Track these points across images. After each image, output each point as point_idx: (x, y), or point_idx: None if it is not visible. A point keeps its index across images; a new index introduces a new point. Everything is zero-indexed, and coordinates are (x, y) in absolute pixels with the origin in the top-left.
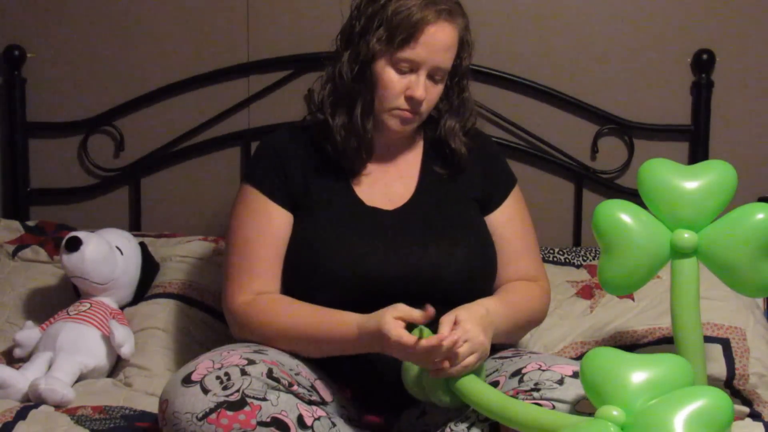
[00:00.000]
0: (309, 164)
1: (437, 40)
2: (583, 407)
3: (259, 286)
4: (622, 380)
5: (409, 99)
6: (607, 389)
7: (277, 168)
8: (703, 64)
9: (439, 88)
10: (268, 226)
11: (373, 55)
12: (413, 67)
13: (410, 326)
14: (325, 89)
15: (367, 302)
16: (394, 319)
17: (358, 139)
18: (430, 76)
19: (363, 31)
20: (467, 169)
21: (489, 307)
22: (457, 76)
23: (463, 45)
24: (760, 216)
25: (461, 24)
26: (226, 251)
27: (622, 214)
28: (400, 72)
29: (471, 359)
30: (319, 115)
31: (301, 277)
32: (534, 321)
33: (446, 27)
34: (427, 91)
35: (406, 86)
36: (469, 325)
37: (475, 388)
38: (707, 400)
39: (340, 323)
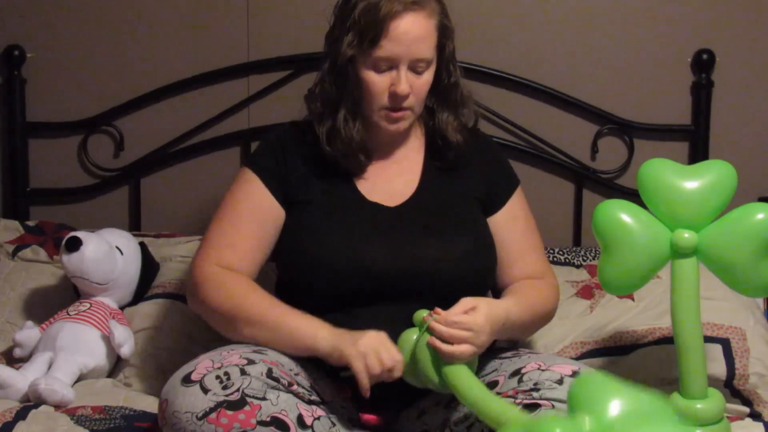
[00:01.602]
0: (312, 160)
1: (407, 33)
2: None
3: (231, 260)
4: (602, 407)
5: (393, 95)
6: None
7: (280, 161)
8: (703, 64)
9: (425, 79)
10: (257, 211)
11: (349, 59)
12: (391, 64)
13: (410, 325)
14: (315, 95)
15: (364, 295)
16: None
17: (345, 145)
18: (412, 69)
19: (338, 36)
20: (470, 168)
21: (510, 311)
22: (443, 63)
23: (443, 31)
24: (760, 216)
25: (434, 10)
26: (210, 224)
27: (622, 214)
28: (380, 71)
29: (463, 348)
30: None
31: (300, 270)
32: (546, 318)
33: (415, 17)
34: (413, 84)
35: (389, 83)
36: (482, 320)
37: (462, 376)
38: None
39: (312, 324)
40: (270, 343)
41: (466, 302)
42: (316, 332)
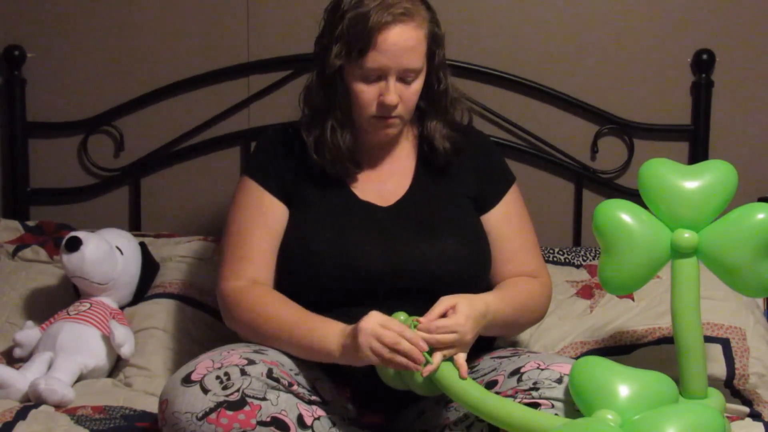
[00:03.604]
0: (304, 161)
1: (396, 44)
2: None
3: (252, 272)
4: (613, 390)
5: (381, 105)
6: (598, 397)
7: (274, 162)
8: (703, 64)
9: (414, 88)
10: (263, 216)
11: (338, 69)
12: (380, 74)
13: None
14: (304, 101)
15: (357, 294)
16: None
17: (332, 154)
18: (401, 79)
19: (327, 45)
20: (462, 167)
21: (490, 303)
22: (433, 70)
23: (433, 39)
24: (760, 216)
25: (424, 19)
26: (223, 239)
27: (622, 214)
28: (369, 81)
29: (449, 352)
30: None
31: (293, 268)
32: (534, 317)
33: (404, 29)
34: (402, 94)
35: (378, 93)
36: (463, 320)
37: (455, 378)
38: (702, 418)
39: (323, 335)
40: (298, 355)
41: (444, 302)
42: (328, 348)
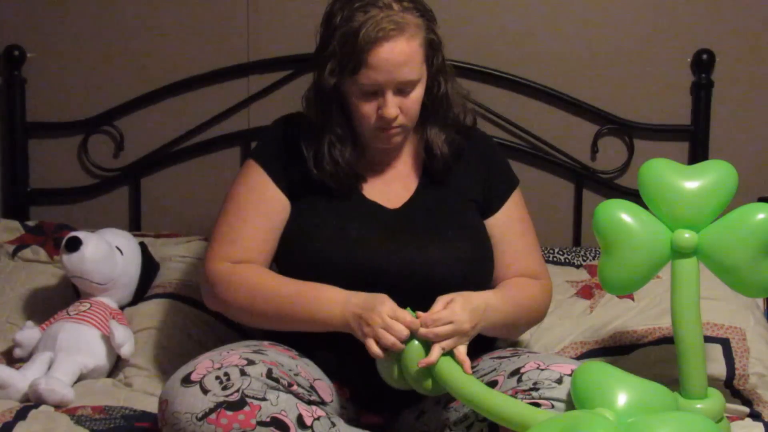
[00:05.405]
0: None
1: (388, 60)
2: None
3: (239, 254)
4: (612, 394)
5: (381, 118)
6: (598, 400)
7: (283, 152)
8: (703, 64)
9: (414, 97)
10: (263, 203)
11: (334, 86)
12: (376, 89)
13: None
14: (304, 110)
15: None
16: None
17: (332, 168)
18: (400, 90)
19: (321, 62)
20: (467, 169)
21: (489, 300)
22: (431, 76)
23: (430, 45)
24: (760, 216)
25: (419, 27)
26: (217, 219)
27: (622, 214)
28: (366, 96)
29: (448, 343)
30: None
31: (297, 262)
32: (534, 318)
33: (395, 43)
34: (401, 105)
35: (377, 106)
36: (458, 309)
37: (456, 374)
38: (697, 426)
39: (328, 292)
40: (294, 330)
41: (442, 299)
42: (331, 324)
